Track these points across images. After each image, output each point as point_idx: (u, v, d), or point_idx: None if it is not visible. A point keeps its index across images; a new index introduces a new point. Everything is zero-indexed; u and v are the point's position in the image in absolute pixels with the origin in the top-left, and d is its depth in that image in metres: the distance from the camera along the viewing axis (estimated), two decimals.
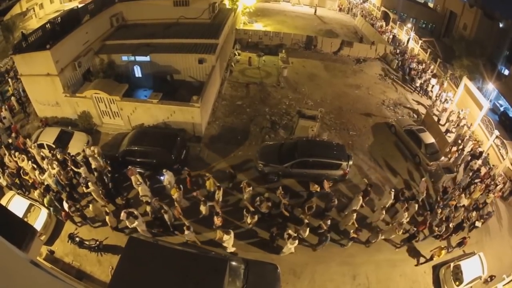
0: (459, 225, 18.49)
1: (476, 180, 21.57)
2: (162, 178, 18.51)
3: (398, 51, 38.61)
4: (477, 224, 18.97)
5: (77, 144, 21.17)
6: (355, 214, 17.05)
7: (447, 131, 26.49)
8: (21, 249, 7.12)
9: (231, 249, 16.18)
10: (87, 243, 16.45)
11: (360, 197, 17.88)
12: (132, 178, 17.80)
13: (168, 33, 27.33)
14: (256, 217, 16.68)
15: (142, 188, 17.43)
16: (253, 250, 17.12)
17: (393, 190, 18.60)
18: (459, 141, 24.92)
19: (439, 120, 27.82)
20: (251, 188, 17.86)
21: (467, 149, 24.33)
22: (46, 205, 17.32)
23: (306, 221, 16.67)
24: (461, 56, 34.09)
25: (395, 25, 46.22)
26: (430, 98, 31.35)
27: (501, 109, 36.05)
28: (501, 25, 40.27)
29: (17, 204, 17.17)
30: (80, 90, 22.86)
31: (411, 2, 53.69)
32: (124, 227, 17.03)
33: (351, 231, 16.74)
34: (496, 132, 24.28)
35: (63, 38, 21.92)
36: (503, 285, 16.46)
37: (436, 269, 17.62)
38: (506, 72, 38.71)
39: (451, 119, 27.50)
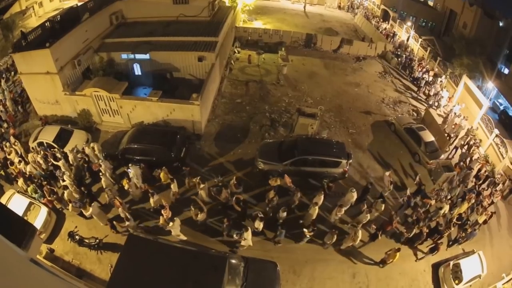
0: (434, 230, 17.94)
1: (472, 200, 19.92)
2: (129, 171, 18.58)
3: (404, 56, 37.33)
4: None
5: (77, 142, 21.16)
6: (317, 208, 16.97)
7: (456, 148, 24.86)
8: (21, 248, 7.13)
9: (178, 234, 16.22)
10: (86, 241, 16.44)
11: (322, 193, 17.72)
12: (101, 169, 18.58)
13: (168, 31, 27.36)
14: (204, 212, 16.75)
15: (104, 179, 17.97)
16: (210, 241, 17.18)
17: (354, 189, 18.18)
18: (467, 160, 23.33)
19: (449, 136, 25.76)
20: (205, 184, 17.85)
21: (475, 169, 22.60)
22: (30, 193, 17.91)
23: (261, 215, 16.59)
24: (461, 55, 34.02)
25: (395, 23, 46.18)
26: (446, 115, 28.03)
27: (501, 108, 36.00)
28: (501, 24, 40.20)
29: (17, 203, 17.18)
30: (80, 88, 22.84)
31: (411, 1, 53.53)
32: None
33: (305, 229, 16.71)
34: (496, 131, 24.24)
35: (63, 36, 21.88)
36: (503, 284, 16.48)
37: (435, 267, 17.64)
38: (506, 71, 38.65)
39: (457, 131, 25.81)
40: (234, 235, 16.05)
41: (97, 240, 16.48)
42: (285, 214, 16.92)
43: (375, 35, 42.80)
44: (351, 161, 20.40)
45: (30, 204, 17.31)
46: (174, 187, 17.96)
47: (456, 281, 16.30)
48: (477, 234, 18.08)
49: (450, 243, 18.56)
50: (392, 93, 31.38)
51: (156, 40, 26.28)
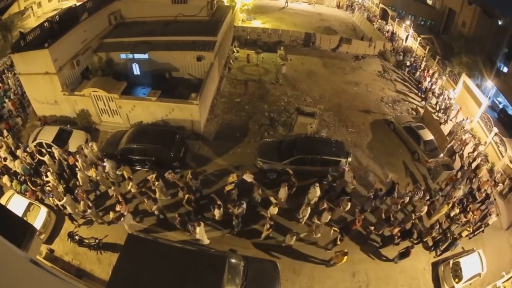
0: (407, 232, 17.37)
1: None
2: (104, 165, 18.86)
3: (408, 63, 35.90)
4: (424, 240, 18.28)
5: (76, 142, 21.17)
6: (277, 207, 16.86)
7: (462, 166, 22.58)
8: (20, 248, 7.12)
9: (131, 223, 16.53)
10: (86, 241, 16.44)
11: (286, 188, 17.63)
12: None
13: (167, 31, 27.37)
14: (158, 204, 17.01)
15: (80, 174, 18.41)
16: (164, 234, 17.30)
17: (317, 184, 17.92)
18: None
19: (454, 153, 24.13)
20: (159, 181, 17.93)
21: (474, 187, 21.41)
22: (14, 187, 18.38)
23: (219, 202, 16.63)
24: (460, 53, 34.00)
25: (394, 22, 46.17)
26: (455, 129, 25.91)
27: (500, 106, 36.01)
28: (500, 23, 40.18)
29: (16, 203, 17.16)
30: (79, 89, 22.83)
31: None
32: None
33: (265, 227, 16.64)
34: (495, 129, 24.29)
35: (62, 36, 21.87)
36: (502, 282, 16.49)
37: (435, 266, 17.67)
38: (505, 69, 38.67)
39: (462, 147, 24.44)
40: (190, 228, 16.14)
41: (97, 240, 16.48)
42: (241, 208, 16.77)
43: (374, 34, 42.79)
44: (350, 159, 20.38)
45: (30, 204, 17.29)
46: (132, 186, 18.05)
47: (456, 280, 16.33)
48: (459, 245, 17.62)
49: (432, 249, 18.25)
50: (391, 92, 31.40)
51: (154, 39, 26.27)
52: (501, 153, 23.38)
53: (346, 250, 15.66)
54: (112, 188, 17.87)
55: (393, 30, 44.35)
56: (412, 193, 19.38)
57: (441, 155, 22.80)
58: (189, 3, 28.75)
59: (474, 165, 23.15)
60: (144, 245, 12.82)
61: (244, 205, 16.88)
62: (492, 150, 24.26)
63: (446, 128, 26.62)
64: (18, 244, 7.16)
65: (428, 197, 19.64)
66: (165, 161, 19.58)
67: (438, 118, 27.98)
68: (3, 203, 16.72)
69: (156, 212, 17.36)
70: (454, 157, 23.86)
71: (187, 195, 17.15)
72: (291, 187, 18.36)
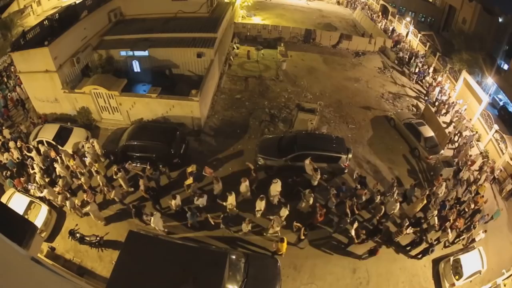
0: (375, 229, 17.29)
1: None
2: (85, 159, 19.44)
3: (417, 70, 33.91)
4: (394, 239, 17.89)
5: (77, 140, 21.25)
6: (233, 196, 16.96)
7: (461, 179, 21.65)
8: (22, 246, 7.12)
9: (96, 216, 17.30)
10: (87, 239, 16.48)
11: (247, 182, 17.67)
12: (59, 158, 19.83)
13: (167, 28, 27.31)
14: (114, 191, 17.68)
15: (59, 167, 18.96)
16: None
17: (276, 179, 17.92)
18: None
19: (460, 169, 22.33)
20: (121, 172, 18.44)
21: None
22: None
23: (174, 193, 17.02)
24: (461, 50, 33.93)
25: (394, 19, 46.03)
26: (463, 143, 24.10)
27: (501, 103, 36.00)
28: (500, 20, 40.09)
29: (17, 202, 17.21)
30: (79, 86, 22.86)
31: None
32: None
33: (208, 215, 16.74)
34: (496, 127, 24.27)
35: (61, 34, 21.85)
36: (503, 280, 16.50)
37: (436, 263, 17.66)
38: (506, 66, 38.60)
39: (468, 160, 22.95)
40: (145, 218, 16.52)
41: (98, 238, 16.52)
42: (202, 198, 17.10)
43: (374, 30, 42.69)
44: (350, 156, 20.34)
45: (31, 203, 17.33)
46: (100, 178, 18.47)
47: (457, 277, 16.33)
48: (435, 250, 17.28)
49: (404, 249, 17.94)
50: (391, 88, 31.33)
51: (154, 36, 26.21)
52: (501, 150, 23.36)
53: (282, 237, 15.80)
54: (82, 178, 18.30)
55: (393, 28, 44.11)
56: (385, 190, 19.38)
57: (442, 151, 22.80)
58: (189, 0, 28.72)
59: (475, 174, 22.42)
60: (145, 242, 12.80)
61: (205, 197, 17.24)
62: (492, 147, 24.24)
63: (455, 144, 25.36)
64: (19, 243, 7.15)
65: (397, 193, 19.10)
66: (165, 158, 19.58)
67: (448, 134, 24.79)
68: (4, 202, 16.75)
69: (116, 199, 18.11)
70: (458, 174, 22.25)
71: (144, 183, 17.63)
72: (252, 182, 18.50)
